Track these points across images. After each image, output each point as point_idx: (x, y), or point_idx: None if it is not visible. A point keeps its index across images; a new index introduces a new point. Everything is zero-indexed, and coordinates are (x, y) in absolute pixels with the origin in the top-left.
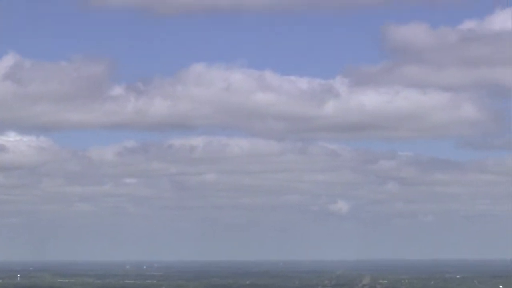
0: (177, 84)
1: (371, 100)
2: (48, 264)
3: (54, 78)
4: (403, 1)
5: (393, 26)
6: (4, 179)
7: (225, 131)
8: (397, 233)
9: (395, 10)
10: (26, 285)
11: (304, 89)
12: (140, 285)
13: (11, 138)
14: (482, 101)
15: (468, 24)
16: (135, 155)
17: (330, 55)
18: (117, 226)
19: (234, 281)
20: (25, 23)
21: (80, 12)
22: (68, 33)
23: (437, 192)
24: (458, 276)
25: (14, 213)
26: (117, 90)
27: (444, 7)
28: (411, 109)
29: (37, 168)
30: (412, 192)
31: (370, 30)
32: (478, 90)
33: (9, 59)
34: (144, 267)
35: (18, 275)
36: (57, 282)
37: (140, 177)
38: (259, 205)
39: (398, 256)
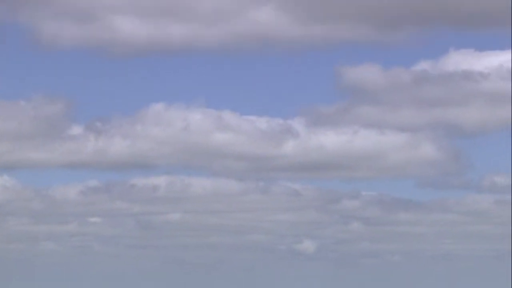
0: (137, 124)
1: (330, 140)
2: None
3: (13, 117)
4: (356, 42)
5: (347, 66)
6: None
7: (186, 171)
8: (365, 272)
9: (348, 51)
10: None
11: (263, 129)
12: None
13: None
14: (440, 141)
15: (422, 65)
16: (98, 194)
17: (288, 95)
18: (83, 265)
19: None
20: None
21: (34, 51)
22: (25, 72)
23: (402, 232)
24: None
25: None
26: (77, 129)
27: (397, 49)
28: (370, 149)
29: (1, 207)
30: (377, 232)
31: (325, 71)
32: (434, 130)
33: None
34: None
35: None
36: None
37: (105, 216)
38: (225, 244)
39: None
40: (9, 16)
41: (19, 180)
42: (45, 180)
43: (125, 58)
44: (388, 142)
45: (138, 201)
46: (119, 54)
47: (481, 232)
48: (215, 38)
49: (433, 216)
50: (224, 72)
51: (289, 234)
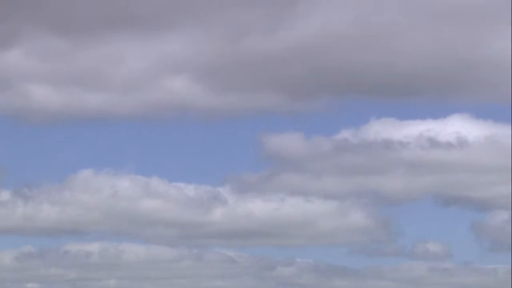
0: (65, 190)
1: (259, 207)
2: None
3: None
4: (277, 111)
5: (269, 135)
6: None
7: (117, 237)
8: None
9: (268, 119)
10: None
11: (192, 196)
12: None
13: None
14: (366, 208)
15: (344, 134)
16: (33, 260)
17: (213, 162)
18: None
19: None
20: None
21: None
22: None
23: None
24: None
25: None
26: (4, 195)
27: (319, 117)
28: (299, 216)
29: None
30: None
31: (246, 139)
32: (359, 198)
33: None
34: None
35: None
36: None
37: (41, 282)
38: None
39: None
40: None
41: None
42: None
43: (42, 125)
44: (316, 210)
45: (73, 267)
46: (36, 121)
47: None
48: (131, 106)
49: (368, 283)
50: (149, 140)
51: None
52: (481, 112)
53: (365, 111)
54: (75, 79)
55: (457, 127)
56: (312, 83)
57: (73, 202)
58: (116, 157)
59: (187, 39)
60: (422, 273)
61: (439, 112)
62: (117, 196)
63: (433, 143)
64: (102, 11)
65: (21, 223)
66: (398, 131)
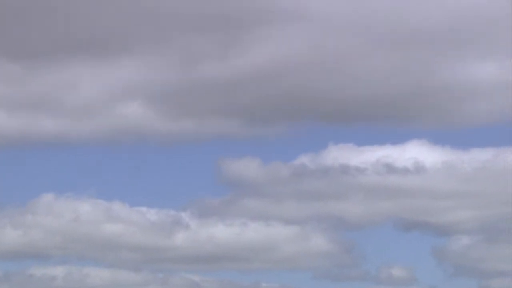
0: (27, 214)
1: (221, 231)
2: None
3: None
4: (235, 136)
5: (228, 160)
6: None
7: (81, 261)
8: None
9: (228, 145)
10: None
11: (154, 220)
12: None
13: None
14: (328, 233)
15: (302, 159)
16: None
17: (175, 187)
18: None
19: None
20: None
21: None
22: None
23: None
24: None
25: None
26: None
27: (278, 143)
28: (262, 241)
29: None
30: None
31: (204, 164)
32: (320, 223)
33: None
34: None
35: None
36: None
37: None
38: None
39: None
40: None
41: None
42: None
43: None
44: (278, 234)
45: None
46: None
47: None
48: (87, 131)
49: None
50: (108, 164)
51: None
52: (439, 138)
53: (323, 136)
54: (29, 104)
55: (415, 153)
56: (268, 109)
57: (36, 226)
58: (76, 181)
59: (141, 65)
60: None
61: (398, 138)
62: (79, 220)
63: (390, 168)
64: (56, 36)
65: None
66: (356, 156)
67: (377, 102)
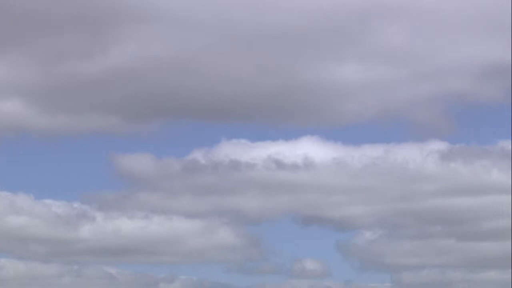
0: None
1: (126, 225)
2: None
3: None
4: (126, 131)
5: (120, 155)
6: None
7: None
8: None
9: (112, 140)
10: None
11: (59, 213)
12: None
13: None
14: (230, 227)
15: (195, 154)
16: None
17: (69, 181)
18: None
19: None
20: None
21: None
22: None
23: None
24: None
25: None
26: None
27: (169, 138)
28: (168, 234)
29: None
30: None
31: (97, 159)
32: (220, 217)
33: None
34: None
35: None
36: None
37: None
38: None
39: None
40: None
41: None
42: None
43: None
44: (183, 228)
45: None
46: None
47: None
48: None
49: None
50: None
51: None
52: (331, 135)
53: (217, 132)
54: None
55: (306, 149)
56: (141, 106)
57: None
58: None
59: (12, 64)
60: None
61: (291, 134)
62: None
63: (280, 164)
64: None
65: None
66: (247, 153)
67: (247, 101)
